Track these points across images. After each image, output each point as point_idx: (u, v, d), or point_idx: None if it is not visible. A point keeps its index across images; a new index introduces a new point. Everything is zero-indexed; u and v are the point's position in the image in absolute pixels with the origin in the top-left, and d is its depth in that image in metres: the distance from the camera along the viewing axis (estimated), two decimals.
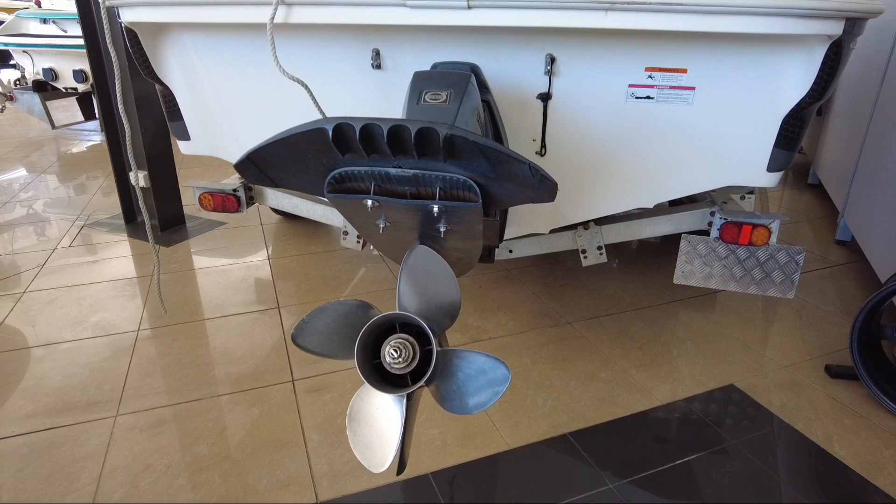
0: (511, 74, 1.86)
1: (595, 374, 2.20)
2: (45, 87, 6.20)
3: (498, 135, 1.87)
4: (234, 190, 2.46)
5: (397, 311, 1.13)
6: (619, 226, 2.42)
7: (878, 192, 2.87)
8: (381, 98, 1.96)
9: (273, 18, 1.55)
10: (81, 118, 6.91)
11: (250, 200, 2.54)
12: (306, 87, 1.67)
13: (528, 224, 2.23)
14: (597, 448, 1.82)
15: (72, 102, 7.28)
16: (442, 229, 1.14)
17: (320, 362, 2.23)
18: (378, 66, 1.88)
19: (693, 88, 1.81)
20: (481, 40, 1.80)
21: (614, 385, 2.14)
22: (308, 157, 1.04)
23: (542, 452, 1.80)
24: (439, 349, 1.12)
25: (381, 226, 1.14)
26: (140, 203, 2.37)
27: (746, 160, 1.94)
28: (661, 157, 1.96)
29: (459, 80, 1.46)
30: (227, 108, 2.11)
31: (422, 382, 1.08)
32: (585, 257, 2.45)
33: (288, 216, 3.77)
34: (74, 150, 5.93)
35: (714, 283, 2.32)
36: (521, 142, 1.98)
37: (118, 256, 3.21)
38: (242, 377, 2.15)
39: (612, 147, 1.95)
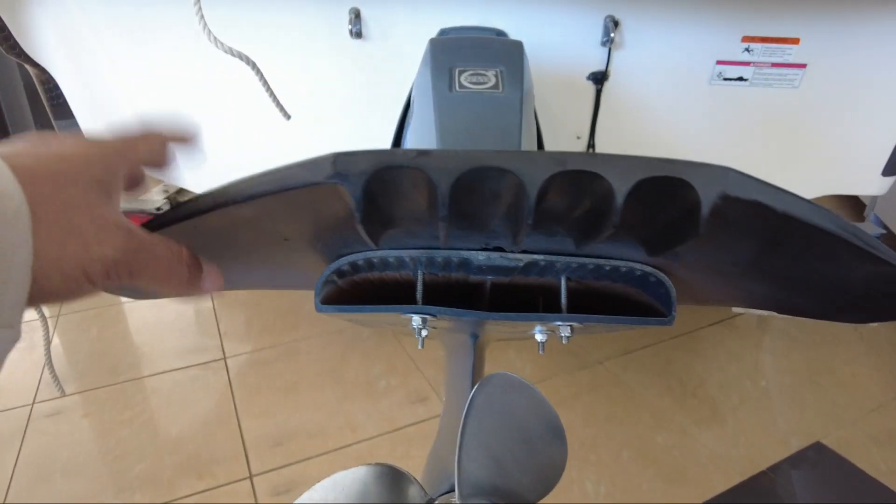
0: (553, 45, 1.31)
1: (649, 437, 1.70)
2: None
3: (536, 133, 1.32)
4: (158, 209, 1.82)
5: None
6: None
7: None
8: (363, 80, 1.37)
9: None
10: None
11: None
12: (254, 66, 1.07)
13: None
14: None
15: None
16: (539, 339, 0.60)
17: (285, 444, 1.65)
18: (359, 34, 1.30)
19: (804, 66, 1.31)
20: None
21: (676, 453, 1.65)
22: (284, 243, 0.47)
23: None
24: None
25: (423, 336, 0.58)
26: None
27: (858, 161, 1.46)
28: (748, 160, 1.46)
29: (510, 50, 0.90)
30: (138, 99, 1.47)
31: None
32: None
33: None
34: None
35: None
36: (560, 140, 1.44)
37: None
38: (180, 472, 1.55)
39: (686, 146, 1.43)
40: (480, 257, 0.49)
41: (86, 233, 0.31)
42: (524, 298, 0.54)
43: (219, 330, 2.19)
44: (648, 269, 0.49)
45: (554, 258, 0.49)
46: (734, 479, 1.57)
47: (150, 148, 0.40)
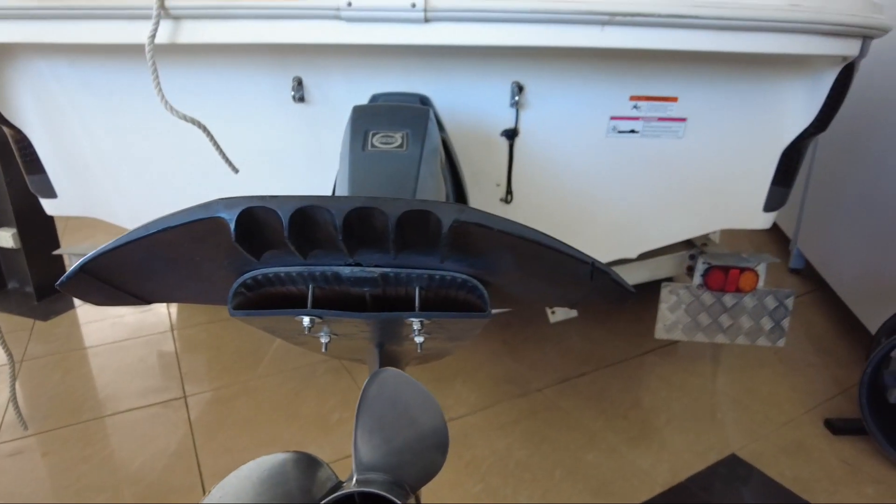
0: (470, 107, 1.52)
1: (581, 456, 1.85)
2: None
3: (457, 182, 1.52)
4: None
5: (356, 481, 0.73)
6: None
7: (836, 218, 2.75)
8: (306, 139, 1.56)
9: (154, 37, 1.13)
10: None
11: None
12: (204, 129, 1.25)
13: None
14: None
15: None
16: (418, 340, 0.76)
17: None
18: (301, 99, 1.49)
19: (684, 120, 1.54)
20: (433, 65, 1.45)
21: (605, 469, 1.79)
22: (197, 261, 0.64)
23: None
24: None
25: (324, 341, 0.74)
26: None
27: (742, 200, 1.68)
28: (646, 201, 1.67)
29: (416, 116, 1.10)
30: (106, 155, 1.63)
31: None
32: (553, 312, 2.13)
33: None
34: None
35: (700, 335, 2.06)
36: (482, 188, 1.63)
37: None
38: (138, 501, 1.64)
39: (591, 191, 1.64)
40: (346, 271, 0.66)
41: None
42: (401, 309, 0.71)
43: (180, 371, 2.29)
44: (464, 276, 0.67)
45: (397, 270, 0.66)
46: (655, 490, 1.71)
47: None
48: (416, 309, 0.68)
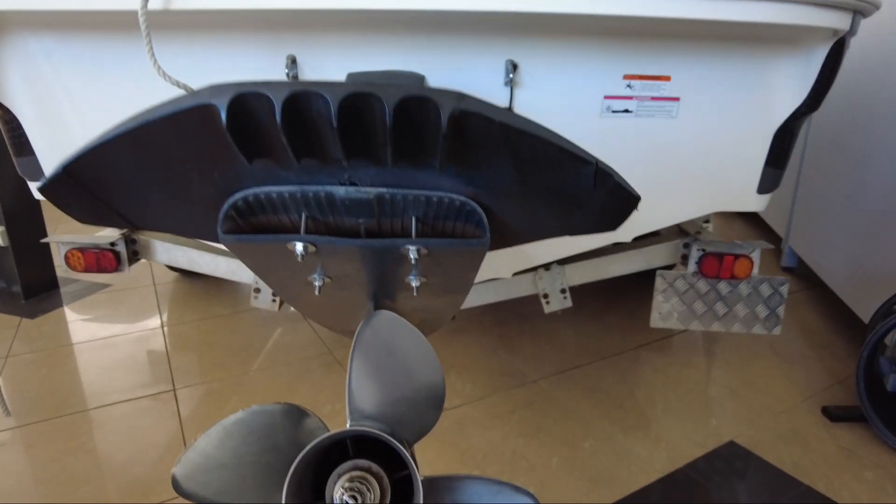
0: (464, 86, 1.50)
1: (577, 444, 1.82)
2: None
3: None
4: (112, 244, 1.93)
5: (350, 426, 0.71)
6: (584, 265, 2.11)
7: (827, 214, 2.76)
8: None
9: (147, 2, 1.12)
10: None
11: (134, 256, 2.00)
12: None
13: (486, 268, 1.86)
14: None
15: None
16: (414, 283, 0.74)
17: None
18: (295, 78, 1.48)
19: (677, 99, 1.54)
20: (428, 44, 1.45)
21: (602, 456, 1.77)
22: (186, 170, 0.62)
23: None
24: (423, 479, 0.70)
25: (317, 284, 0.72)
26: None
27: (736, 181, 1.68)
28: (641, 183, 1.65)
29: (412, 80, 1.09)
30: (96, 133, 1.61)
31: None
32: (548, 302, 2.11)
33: (187, 272, 3.20)
34: None
35: (696, 323, 2.04)
36: None
37: None
38: (124, 493, 1.59)
39: None
40: (340, 192, 0.64)
41: None
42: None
43: (170, 366, 2.25)
44: (463, 199, 0.65)
45: (393, 191, 0.64)
46: (654, 477, 1.69)
47: None
48: (413, 236, 0.66)
